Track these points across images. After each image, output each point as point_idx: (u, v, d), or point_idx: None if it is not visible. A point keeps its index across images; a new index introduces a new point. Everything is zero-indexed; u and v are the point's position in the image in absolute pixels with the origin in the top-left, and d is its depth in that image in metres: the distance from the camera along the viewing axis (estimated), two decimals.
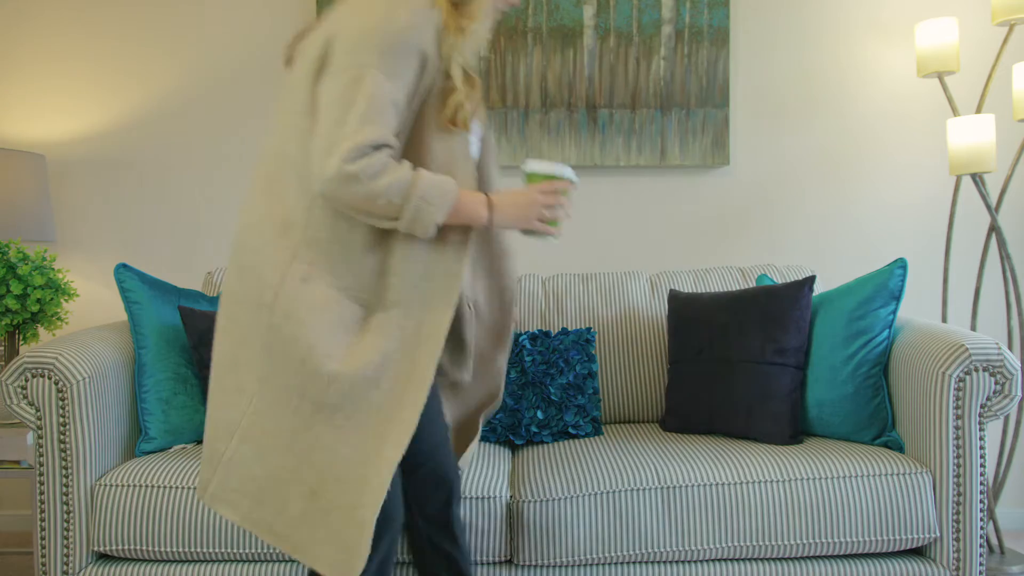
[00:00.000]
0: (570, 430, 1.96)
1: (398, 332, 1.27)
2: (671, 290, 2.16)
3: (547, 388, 1.98)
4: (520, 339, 2.04)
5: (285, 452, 1.26)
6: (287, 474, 1.25)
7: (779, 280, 2.24)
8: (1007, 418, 2.39)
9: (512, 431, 1.97)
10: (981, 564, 1.66)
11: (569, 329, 2.11)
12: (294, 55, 1.39)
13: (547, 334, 2.06)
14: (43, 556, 1.67)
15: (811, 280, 1.93)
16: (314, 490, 1.24)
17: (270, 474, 1.26)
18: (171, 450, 1.84)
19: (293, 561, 1.67)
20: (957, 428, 1.65)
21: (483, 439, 1.98)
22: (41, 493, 1.67)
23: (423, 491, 1.44)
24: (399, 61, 1.23)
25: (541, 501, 1.63)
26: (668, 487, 1.65)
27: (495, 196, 1.33)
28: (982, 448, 1.66)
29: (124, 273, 1.87)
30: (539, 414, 1.96)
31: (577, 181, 1.38)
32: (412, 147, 1.30)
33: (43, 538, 1.67)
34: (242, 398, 1.28)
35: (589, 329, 2.08)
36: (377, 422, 1.24)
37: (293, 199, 1.27)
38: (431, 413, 1.41)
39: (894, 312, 1.83)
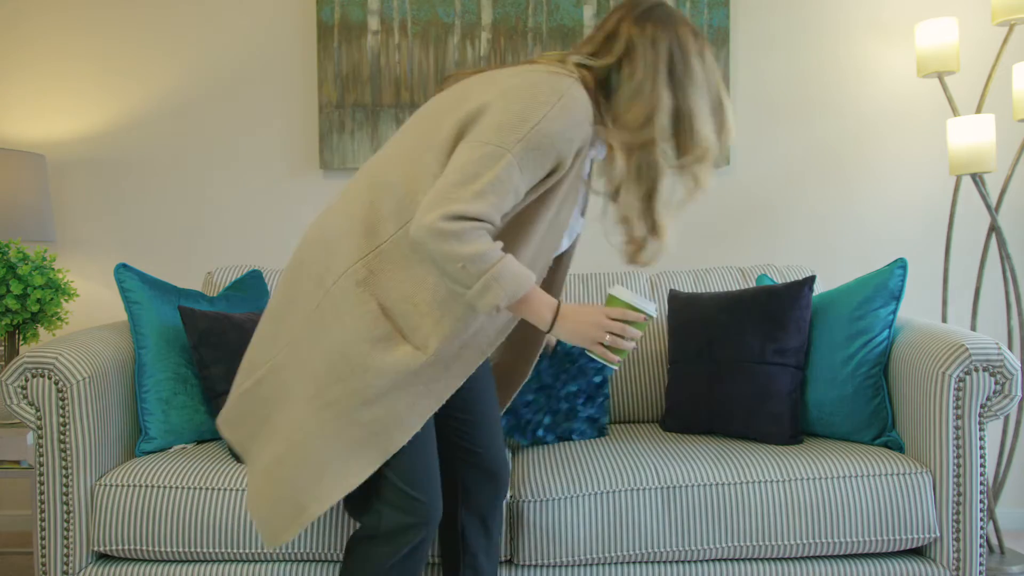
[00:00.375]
0: (574, 437, 1.94)
1: (410, 373, 1.31)
2: (671, 290, 2.16)
3: (557, 393, 1.94)
4: None
5: (281, 411, 1.37)
6: (274, 429, 1.38)
7: (779, 280, 2.24)
8: (1007, 418, 2.39)
9: (519, 431, 1.95)
10: (981, 564, 1.66)
11: None
12: (453, 84, 1.42)
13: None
14: (43, 556, 1.67)
15: (811, 280, 1.93)
16: (281, 458, 1.36)
17: (267, 421, 1.40)
18: (171, 450, 1.84)
19: (293, 561, 1.67)
20: (957, 428, 1.65)
21: None
22: (41, 493, 1.67)
23: (474, 482, 1.52)
24: (537, 159, 1.27)
25: (541, 501, 1.63)
26: (668, 487, 1.65)
27: (565, 306, 1.33)
28: (982, 448, 1.66)
29: (124, 273, 1.87)
30: (547, 419, 1.93)
31: (654, 316, 1.36)
32: (510, 231, 1.34)
33: (43, 538, 1.67)
34: (272, 348, 1.40)
35: None
36: (354, 437, 1.31)
37: (389, 214, 1.33)
38: (488, 408, 1.52)
39: (894, 312, 1.83)
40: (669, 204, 1.37)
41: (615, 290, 1.36)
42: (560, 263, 1.56)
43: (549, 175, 1.32)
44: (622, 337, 1.32)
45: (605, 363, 1.36)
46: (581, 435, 1.95)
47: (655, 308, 1.36)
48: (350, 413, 1.30)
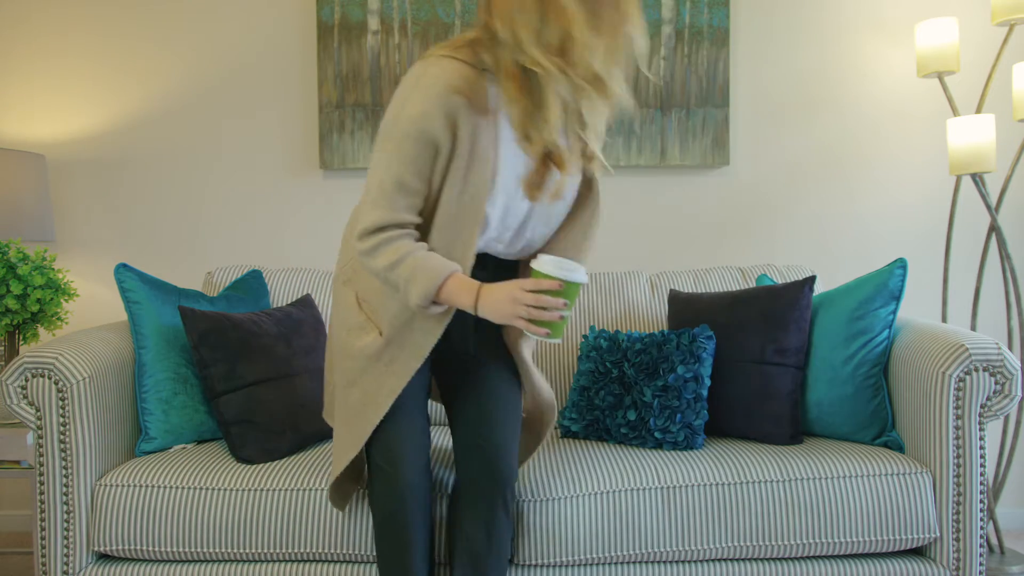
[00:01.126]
0: (656, 434, 1.83)
1: (374, 356, 1.47)
2: (671, 290, 2.16)
3: (642, 390, 1.87)
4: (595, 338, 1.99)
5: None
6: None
7: (779, 280, 2.25)
8: (1007, 418, 2.39)
9: (602, 431, 1.91)
10: (981, 564, 1.66)
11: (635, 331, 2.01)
12: None
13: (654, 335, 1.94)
14: (43, 556, 1.67)
15: (811, 280, 1.93)
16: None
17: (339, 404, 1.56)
18: (171, 450, 1.84)
19: (293, 561, 1.67)
20: (957, 428, 1.65)
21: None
22: (41, 493, 1.67)
23: (475, 475, 1.49)
24: (412, 147, 1.35)
25: (541, 501, 1.63)
26: (668, 487, 1.65)
27: (485, 287, 1.37)
28: (982, 448, 1.66)
29: (124, 273, 1.87)
30: (631, 414, 1.86)
31: (581, 281, 1.34)
32: (425, 220, 1.43)
33: (43, 538, 1.67)
34: (333, 344, 1.58)
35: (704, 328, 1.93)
36: (346, 417, 1.50)
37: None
38: (497, 405, 1.53)
39: (894, 312, 1.83)
40: (556, 122, 1.34)
41: (534, 262, 1.36)
42: (572, 223, 1.54)
43: (436, 161, 1.37)
44: (544, 309, 1.32)
45: (536, 337, 1.36)
46: (663, 433, 1.83)
47: (584, 274, 1.33)
48: (343, 395, 1.50)
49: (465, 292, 1.37)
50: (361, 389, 1.47)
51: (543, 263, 1.34)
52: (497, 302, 1.35)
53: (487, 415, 1.52)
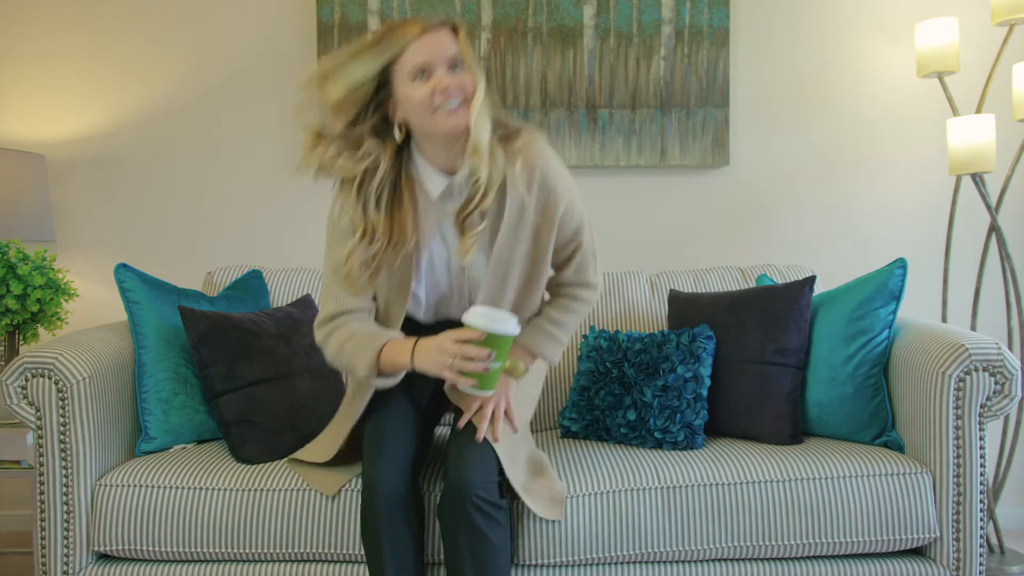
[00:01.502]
0: (656, 434, 1.83)
1: (358, 382, 1.60)
2: (671, 290, 2.16)
3: (642, 390, 1.87)
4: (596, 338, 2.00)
5: None
6: None
7: (779, 280, 2.24)
8: (1007, 418, 2.39)
9: (602, 431, 1.91)
10: (981, 564, 1.66)
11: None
12: None
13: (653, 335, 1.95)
14: (43, 556, 1.67)
15: (811, 280, 1.93)
16: None
17: None
18: (171, 450, 1.84)
19: (293, 561, 1.67)
20: (957, 428, 1.65)
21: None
22: (41, 493, 1.67)
23: (444, 484, 1.51)
24: (336, 243, 1.52)
25: None
26: (668, 487, 1.65)
27: (420, 342, 1.46)
28: (982, 448, 1.66)
29: (124, 273, 1.87)
30: (631, 414, 1.86)
31: (508, 333, 1.35)
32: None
33: (43, 538, 1.67)
34: None
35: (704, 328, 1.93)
36: (336, 428, 1.66)
37: None
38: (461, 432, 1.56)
39: (894, 312, 1.83)
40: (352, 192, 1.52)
41: (465, 314, 1.38)
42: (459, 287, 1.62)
43: (361, 252, 1.51)
44: (471, 359, 1.36)
45: (465, 389, 1.40)
46: (663, 433, 1.83)
47: (514, 326, 1.36)
48: (341, 410, 1.68)
49: (401, 351, 1.47)
50: (348, 409, 1.65)
51: (471, 314, 1.37)
52: (429, 352, 1.43)
53: (455, 428, 1.57)
